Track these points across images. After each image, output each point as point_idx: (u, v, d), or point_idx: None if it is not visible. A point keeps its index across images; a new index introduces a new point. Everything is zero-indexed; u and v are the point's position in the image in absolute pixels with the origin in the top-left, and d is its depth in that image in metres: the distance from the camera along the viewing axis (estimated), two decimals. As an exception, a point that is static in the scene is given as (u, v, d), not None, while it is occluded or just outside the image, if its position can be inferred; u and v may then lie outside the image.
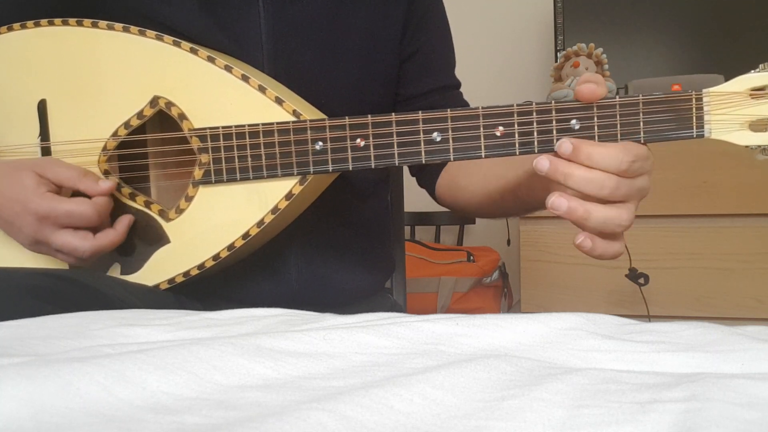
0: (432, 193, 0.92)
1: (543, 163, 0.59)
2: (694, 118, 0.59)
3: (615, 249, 0.60)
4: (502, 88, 2.13)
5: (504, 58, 2.14)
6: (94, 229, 0.69)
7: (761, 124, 0.59)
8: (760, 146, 0.59)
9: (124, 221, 0.70)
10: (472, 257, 1.78)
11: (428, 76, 0.89)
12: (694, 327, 0.45)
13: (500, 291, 1.82)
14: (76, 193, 0.69)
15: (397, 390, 0.31)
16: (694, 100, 0.59)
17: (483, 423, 0.28)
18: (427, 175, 0.91)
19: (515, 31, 2.13)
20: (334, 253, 0.82)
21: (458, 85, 0.94)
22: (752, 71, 0.59)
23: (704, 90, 0.59)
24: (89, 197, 0.68)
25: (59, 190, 0.69)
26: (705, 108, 0.59)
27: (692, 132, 0.59)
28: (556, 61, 1.66)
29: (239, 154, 0.67)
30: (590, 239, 0.59)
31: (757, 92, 0.58)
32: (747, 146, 0.59)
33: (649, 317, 1.44)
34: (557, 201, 0.58)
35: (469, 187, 0.83)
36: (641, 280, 1.40)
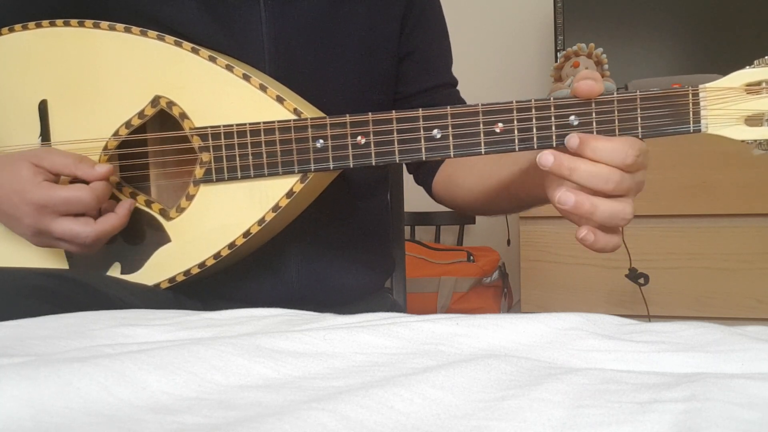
0: (429, 190, 0.92)
1: (547, 158, 0.58)
2: (691, 113, 0.59)
3: (615, 242, 0.60)
4: (502, 88, 2.13)
5: (504, 58, 2.14)
6: (95, 216, 0.69)
7: (756, 119, 0.59)
8: (756, 140, 0.60)
9: (125, 205, 0.70)
10: (472, 257, 1.78)
11: (425, 74, 0.89)
12: (694, 327, 0.45)
13: (500, 291, 1.82)
14: (76, 182, 0.69)
15: (397, 390, 0.31)
16: (690, 95, 0.59)
17: (483, 423, 0.28)
18: (423, 173, 0.91)
19: (515, 31, 2.12)
20: (334, 253, 0.82)
21: (455, 83, 0.94)
22: (747, 67, 0.59)
23: (700, 86, 0.59)
24: (88, 183, 0.68)
25: (57, 178, 0.68)
26: (701, 103, 0.59)
27: (689, 127, 0.60)
28: (556, 61, 1.66)
29: (240, 153, 0.67)
30: (592, 233, 0.58)
31: (753, 87, 0.59)
32: (743, 141, 0.60)
33: (649, 317, 1.44)
34: (564, 196, 0.57)
35: (467, 186, 0.83)
36: (641, 280, 1.40)
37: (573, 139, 0.58)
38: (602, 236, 0.59)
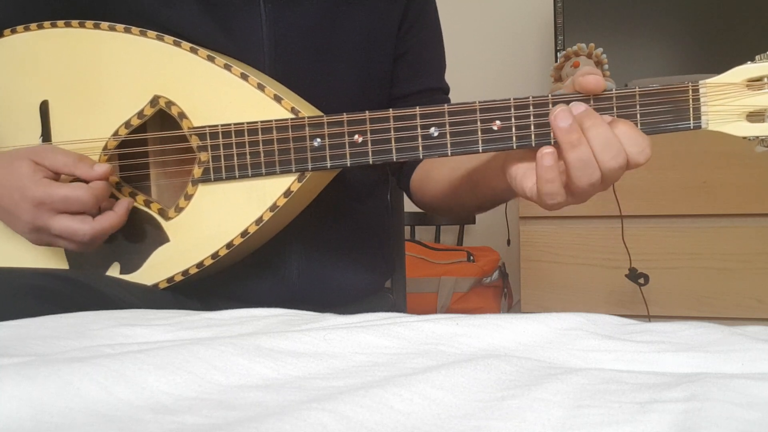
0: (407, 191, 0.92)
1: (578, 105, 0.57)
2: (691, 109, 0.58)
3: (562, 198, 0.58)
4: (502, 88, 2.13)
5: (504, 58, 2.14)
6: (94, 214, 0.69)
7: (758, 115, 0.57)
8: (758, 137, 0.58)
9: (123, 204, 0.70)
10: (472, 257, 1.78)
11: (416, 76, 0.89)
12: (695, 327, 0.45)
13: (500, 291, 1.81)
14: (76, 181, 0.69)
15: (397, 390, 0.31)
16: (690, 91, 0.58)
17: (483, 423, 0.28)
18: (403, 176, 0.91)
19: (515, 31, 2.12)
20: (335, 253, 0.82)
21: (447, 89, 0.94)
22: (748, 62, 0.58)
23: (700, 81, 0.58)
24: (87, 183, 0.68)
25: (57, 176, 0.68)
26: (702, 99, 0.58)
27: (689, 123, 0.58)
28: (556, 61, 1.66)
29: (238, 152, 0.67)
30: (554, 157, 0.57)
31: (754, 83, 0.57)
32: (745, 137, 0.58)
33: (649, 317, 1.44)
34: (563, 112, 0.56)
35: (436, 179, 0.83)
36: (641, 280, 1.40)
37: (606, 117, 0.58)
38: (560, 174, 0.57)
